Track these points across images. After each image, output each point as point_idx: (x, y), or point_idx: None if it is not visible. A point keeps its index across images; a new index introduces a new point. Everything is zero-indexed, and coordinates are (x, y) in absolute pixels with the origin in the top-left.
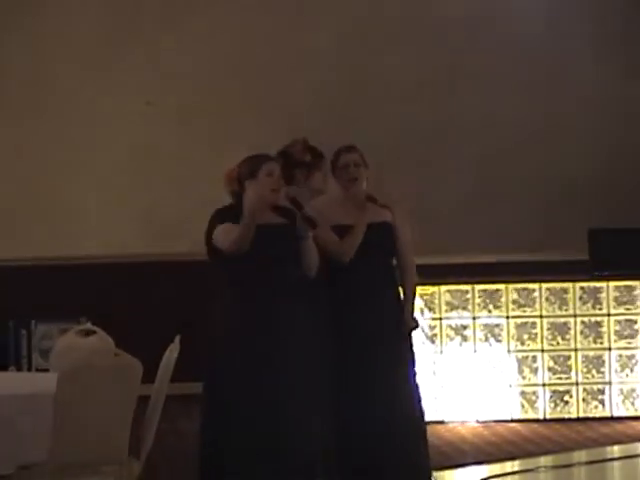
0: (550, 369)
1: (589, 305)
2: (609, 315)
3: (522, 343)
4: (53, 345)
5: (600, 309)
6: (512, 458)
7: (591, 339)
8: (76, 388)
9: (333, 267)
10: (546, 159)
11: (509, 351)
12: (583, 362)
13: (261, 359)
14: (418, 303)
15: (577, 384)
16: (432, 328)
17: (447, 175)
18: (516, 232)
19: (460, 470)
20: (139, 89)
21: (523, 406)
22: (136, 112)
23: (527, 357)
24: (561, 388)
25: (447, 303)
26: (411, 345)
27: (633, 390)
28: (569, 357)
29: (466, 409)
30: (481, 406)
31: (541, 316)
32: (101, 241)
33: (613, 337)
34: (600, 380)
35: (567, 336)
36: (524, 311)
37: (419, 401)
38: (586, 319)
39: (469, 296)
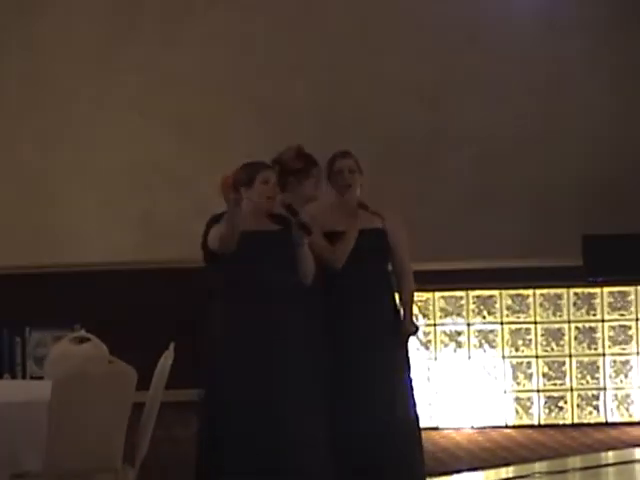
0: (544, 375)
1: (583, 311)
2: (603, 321)
3: (516, 349)
4: (47, 353)
5: (594, 315)
6: (507, 464)
7: (585, 345)
8: (70, 396)
9: (327, 274)
10: (540, 165)
11: (503, 357)
12: (577, 368)
13: (257, 362)
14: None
15: (571, 390)
16: (426, 334)
17: (447, 175)
18: (509, 238)
19: (455, 476)
20: (138, 90)
21: (518, 412)
22: (136, 113)
23: (521, 363)
24: (555, 394)
25: (441, 309)
26: (407, 351)
27: (627, 396)
28: (563, 363)
29: (460, 415)
30: (476, 412)
31: (535, 322)
32: (95, 248)
33: (607, 343)
34: (594, 386)
35: (561, 342)
36: (518, 317)
37: (414, 406)
38: (580, 325)
39: (463, 302)
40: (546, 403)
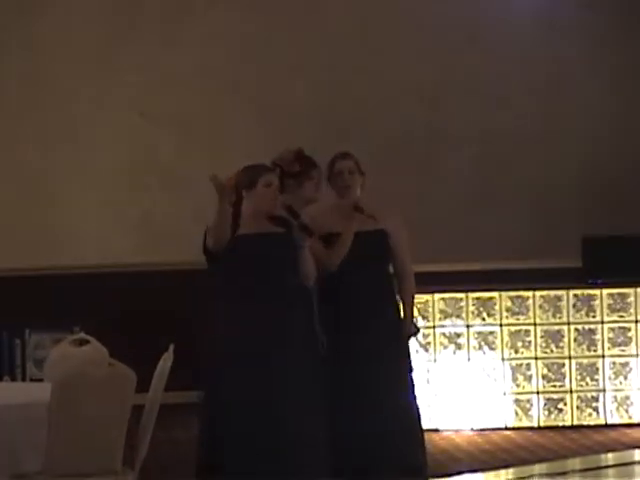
0: (544, 377)
1: (583, 313)
2: (603, 322)
3: (516, 351)
4: (47, 355)
5: (594, 317)
6: (506, 466)
7: (585, 347)
8: (70, 398)
9: (327, 276)
10: (540, 165)
11: (503, 359)
12: (577, 370)
13: (257, 362)
14: None
15: (571, 392)
16: (426, 336)
17: (447, 175)
18: (509, 240)
19: (454, 478)
20: (138, 90)
21: (517, 414)
22: (136, 114)
23: (521, 365)
24: (555, 396)
25: (441, 311)
26: (409, 354)
27: (627, 397)
28: (563, 365)
29: (460, 417)
30: (475, 414)
31: (535, 324)
32: (95, 249)
33: (607, 344)
34: (594, 388)
35: (561, 344)
36: (518, 319)
37: (416, 408)
38: (580, 327)
39: (463, 304)
40: (546, 405)
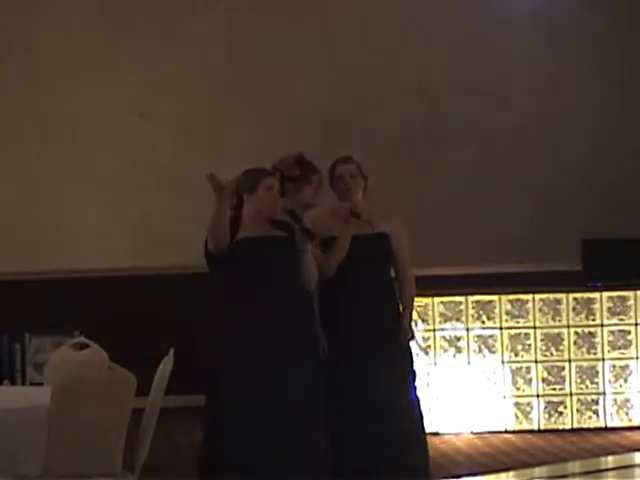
0: (544, 380)
1: (582, 316)
2: (602, 326)
3: (516, 354)
4: (47, 359)
5: (594, 320)
6: (506, 469)
7: (585, 350)
8: (70, 401)
9: (326, 280)
10: (540, 165)
11: (503, 362)
12: (577, 373)
13: (257, 363)
14: None
15: (571, 395)
16: (426, 340)
17: (447, 175)
18: (508, 243)
19: None
20: (139, 90)
21: (517, 417)
22: (136, 114)
23: (521, 368)
24: (555, 399)
25: (441, 314)
26: (410, 355)
27: (627, 400)
28: (563, 368)
29: (460, 420)
30: (475, 417)
31: (535, 327)
32: (95, 252)
33: (607, 348)
34: (594, 391)
35: (561, 347)
36: (518, 322)
37: (419, 409)
38: (580, 330)
39: (462, 307)
40: (546, 408)
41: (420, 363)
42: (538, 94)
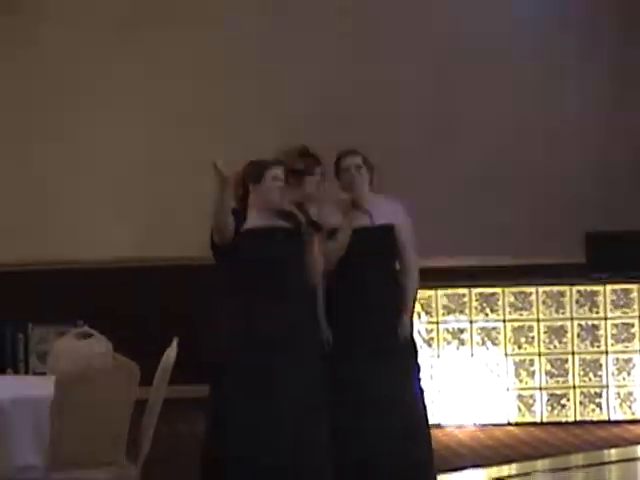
0: (547, 372)
1: (586, 308)
2: (606, 318)
3: (519, 347)
4: (50, 348)
5: (597, 312)
6: (509, 462)
7: (588, 342)
8: (73, 391)
9: (330, 272)
10: (543, 162)
11: (506, 355)
12: (580, 365)
13: (259, 357)
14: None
15: (574, 387)
16: (429, 332)
17: (448, 172)
18: (512, 236)
19: (457, 474)
20: (139, 90)
21: (520, 409)
22: (136, 113)
23: (524, 360)
24: (558, 391)
25: (444, 307)
26: (415, 348)
27: (630, 393)
28: (566, 360)
29: (463, 413)
30: (478, 410)
31: (538, 319)
32: (97, 245)
33: (610, 340)
34: (597, 383)
35: (564, 339)
36: (521, 314)
37: (423, 406)
38: (583, 322)
39: (466, 300)
40: (549, 401)
41: (423, 355)
42: (539, 92)
